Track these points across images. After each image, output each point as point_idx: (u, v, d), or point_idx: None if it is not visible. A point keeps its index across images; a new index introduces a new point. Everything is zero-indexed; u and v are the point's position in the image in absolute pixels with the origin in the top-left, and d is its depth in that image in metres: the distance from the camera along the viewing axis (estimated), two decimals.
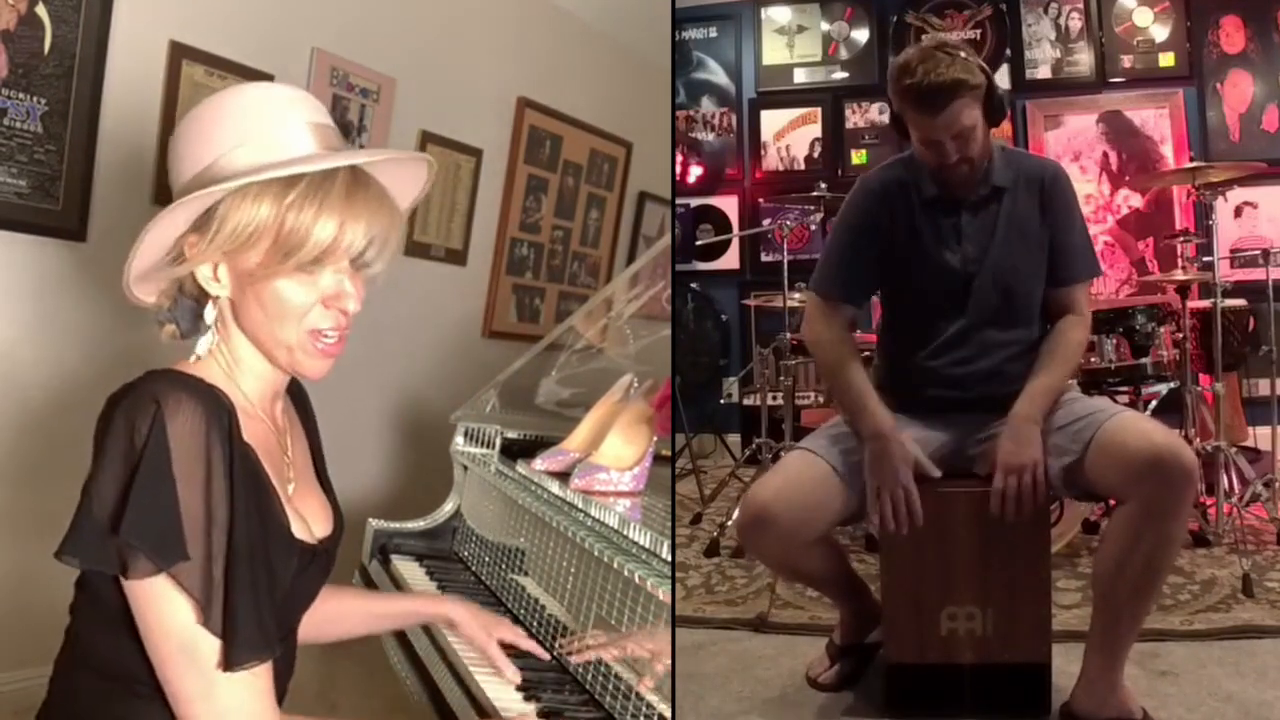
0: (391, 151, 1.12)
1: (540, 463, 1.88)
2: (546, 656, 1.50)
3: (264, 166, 1.01)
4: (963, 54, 1.61)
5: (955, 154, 1.63)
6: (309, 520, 1.15)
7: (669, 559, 1.36)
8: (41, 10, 2.30)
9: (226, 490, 0.96)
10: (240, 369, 1.09)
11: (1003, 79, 4.55)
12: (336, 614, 1.38)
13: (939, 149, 1.64)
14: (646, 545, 1.40)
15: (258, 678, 0.98)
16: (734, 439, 4.42)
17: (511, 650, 1.49)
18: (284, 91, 1.11)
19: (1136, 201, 4.44)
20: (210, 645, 0.95)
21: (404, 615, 1.52)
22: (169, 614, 0.95)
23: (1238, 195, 4.06)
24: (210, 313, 1.08)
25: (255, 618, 0.96)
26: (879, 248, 1.76)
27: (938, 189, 1.72)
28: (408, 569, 1.97)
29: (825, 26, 4.80)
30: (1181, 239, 2.99)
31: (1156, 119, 4.42)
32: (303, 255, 1.01)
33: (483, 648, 1.46)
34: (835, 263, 1.80)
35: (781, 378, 3.22)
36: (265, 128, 1.05)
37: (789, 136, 4.82)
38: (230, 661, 0.94)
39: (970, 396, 1.71)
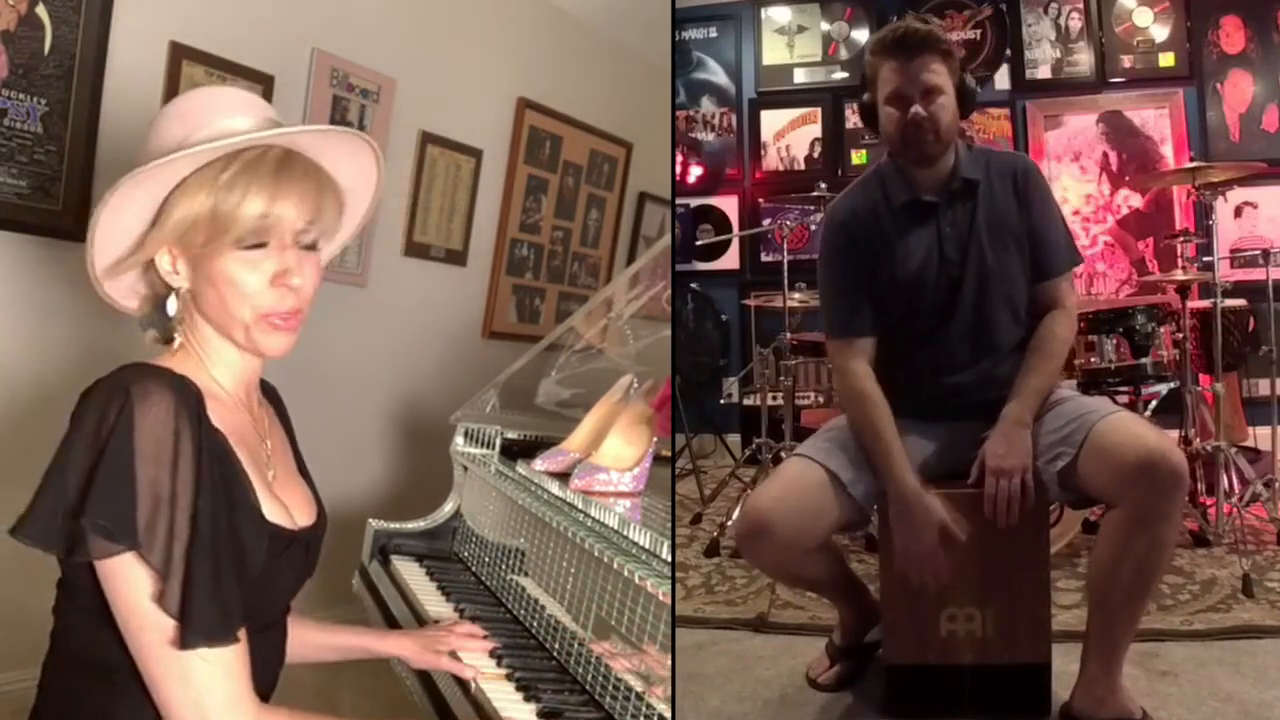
0: (304, 127, 1.15)
1: (540, 463, 1.87)
2: (490, 645, 1.53)
3: (195, 150, 1.06)
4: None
5: (923, 109, 1.63)
6: (291, 508, 1.17)
7: (669, 559, 1.36)
8: (41, 10, 2.30)
9: (193, 473, 0.98)
10: (212, 358, 1.14)
11: (1003, 79, 4.56)
12: (296, 641, 1.37)
13: (905, 104, 1.64)
14: (646, 545, 1.40)
15: (233, 660, 0.99)
16: (734, 439, 4.42)
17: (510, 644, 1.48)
18: (229, 91, 1.20)
19: (1136, 201, 4.43)
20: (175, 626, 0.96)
21: (356, 650, 1.53)
22: (138, 592, 0.97)
23: (1238, 195, 4.06)
24: (173, 303, 1.13)
25: (213, 601, 0.97)
26: (865, 273, 1.72)
27: (909, 193, 1.70)
28: (408, 569, 1.97)
29: (825, 26, 4.80)
30: (1181, 239, 2.99)
31: (1156, 119, 4.42)
32: (236, 232, 1.06)
33: (435, 667, 1.48)
34: (832, 303, 1.77)
35: (781, 378, 3.21)
36: (206, 123, 1.11)
37: (789, 136, 4.82)
38: (183, 642, 0.95)
39: (965, 402, 1.69)
